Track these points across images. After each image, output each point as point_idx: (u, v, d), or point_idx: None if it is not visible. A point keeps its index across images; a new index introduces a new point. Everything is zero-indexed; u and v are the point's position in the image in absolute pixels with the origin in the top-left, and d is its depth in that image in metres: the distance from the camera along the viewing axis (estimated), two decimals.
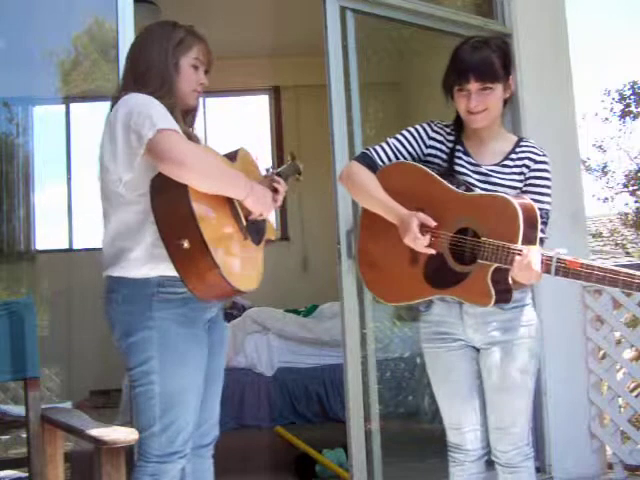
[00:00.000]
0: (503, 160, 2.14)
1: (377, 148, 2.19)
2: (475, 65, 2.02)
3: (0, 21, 4.33)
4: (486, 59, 2.04)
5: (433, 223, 2.04)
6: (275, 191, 2.16)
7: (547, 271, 1.87)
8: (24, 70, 4.85)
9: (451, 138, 2.19)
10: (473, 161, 2.15)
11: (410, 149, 2.18)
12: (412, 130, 2.21)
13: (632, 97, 15.09)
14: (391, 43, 4.45)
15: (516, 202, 1.96)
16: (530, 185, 2.11)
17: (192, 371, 1.95)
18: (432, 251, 2.04)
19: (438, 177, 2.12)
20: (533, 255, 1.88)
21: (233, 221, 1.95)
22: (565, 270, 1.85)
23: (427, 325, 2.22)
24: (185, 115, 2.10)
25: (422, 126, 2.21)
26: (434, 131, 2.20)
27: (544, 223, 2.07)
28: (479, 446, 2.19)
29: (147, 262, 1.90)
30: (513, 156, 2.14)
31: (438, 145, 2.19)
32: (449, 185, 2.09)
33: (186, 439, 1.95)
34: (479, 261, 1.97)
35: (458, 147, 2.16)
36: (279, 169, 2.28)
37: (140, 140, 1.83)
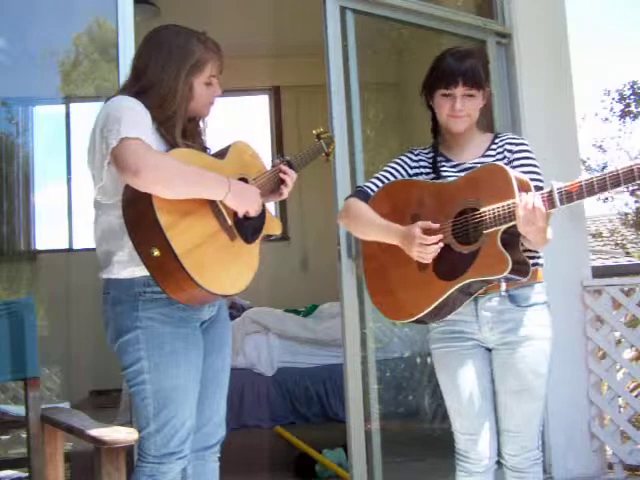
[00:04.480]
0: (484, 152, 2.19)
1: (369, 184, 2.26)
2: (464, 71, 2.13)
3: (0, 21, 4.33)
4: (474, 67, 2.15)
5: (435, 225, 2.05)
6: (282, 182, 2.14)
7: (552, 205, 1.87)
8: (24, 70, 4.85)
9: (430, 155, 2.25)
10: (455, 162, 2.20)
11: (399, 177, 2.25)
12: (397, 160, 2.30)
13: (632, 97, 15.11)
14: (391, 43, 4.46)
15: (500, 162, 2.06)
16: (518, 166, 2.12)
17: (183, 371, 1.92)
18: (440, 245, 2.03)
19: (423, 180, 2.20)
20: (529, 197, 1.88)
21: (215, 222, 1.90)
22: (569, 195, 1.85)
23: (439, 325, 2.17)
24: (193, 120, 2.06)
25: (405, 155, 2.29)
26: (416, 155, 2.28)
27: None
28: (490, 454, 2.12)
29: (130, 265, 1.89)
30: (493, 146, 2.20)
31: (422, 166, 2.25)
32: (435, 182, 2.16)
33: (183, 440, 1.93)
34: (484, 232, 1.97)
35: (439, 158, 2.23)
36: (295, 156, 2.23)
37: (107, 148, 1.81)
